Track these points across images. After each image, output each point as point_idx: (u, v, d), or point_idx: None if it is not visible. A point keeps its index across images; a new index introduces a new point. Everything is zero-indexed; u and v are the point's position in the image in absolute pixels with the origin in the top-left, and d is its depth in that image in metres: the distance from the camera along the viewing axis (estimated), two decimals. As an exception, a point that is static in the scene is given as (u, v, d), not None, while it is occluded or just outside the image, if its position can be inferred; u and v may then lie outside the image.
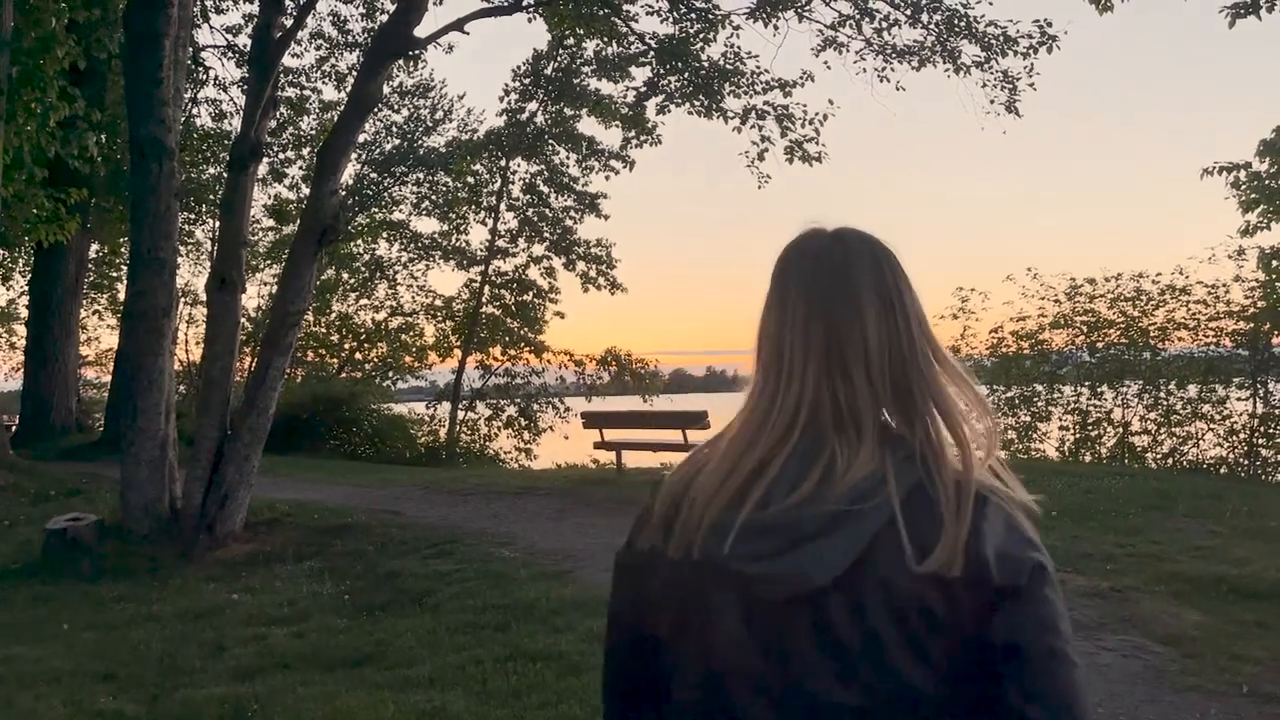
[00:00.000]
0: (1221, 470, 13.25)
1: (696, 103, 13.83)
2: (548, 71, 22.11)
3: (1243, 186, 13.24)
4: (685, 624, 1.13)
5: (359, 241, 24.50)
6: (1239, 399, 13.59)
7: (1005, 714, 1.01)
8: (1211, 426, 13.74)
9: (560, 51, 21.53)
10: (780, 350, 1.15)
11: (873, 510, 1.04)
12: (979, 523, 1.05)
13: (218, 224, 17.90)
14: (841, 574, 1.03)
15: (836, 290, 1.14)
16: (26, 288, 20.58)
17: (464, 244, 24.62)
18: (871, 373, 1.12)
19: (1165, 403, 14.10)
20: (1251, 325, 13.50)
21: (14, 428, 17.85)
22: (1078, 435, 14.70)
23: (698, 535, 1.10)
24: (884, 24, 12.20)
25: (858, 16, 12.27)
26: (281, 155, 23.23)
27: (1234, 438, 13.58)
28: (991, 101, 12.32)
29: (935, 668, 1.03)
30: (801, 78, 13.39)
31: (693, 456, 1.19)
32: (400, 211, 24.49)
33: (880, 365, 1.12)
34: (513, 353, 23.66)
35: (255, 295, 24.43)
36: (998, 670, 1.02)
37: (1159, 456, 13.97)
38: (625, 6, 13.25)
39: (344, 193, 19.32)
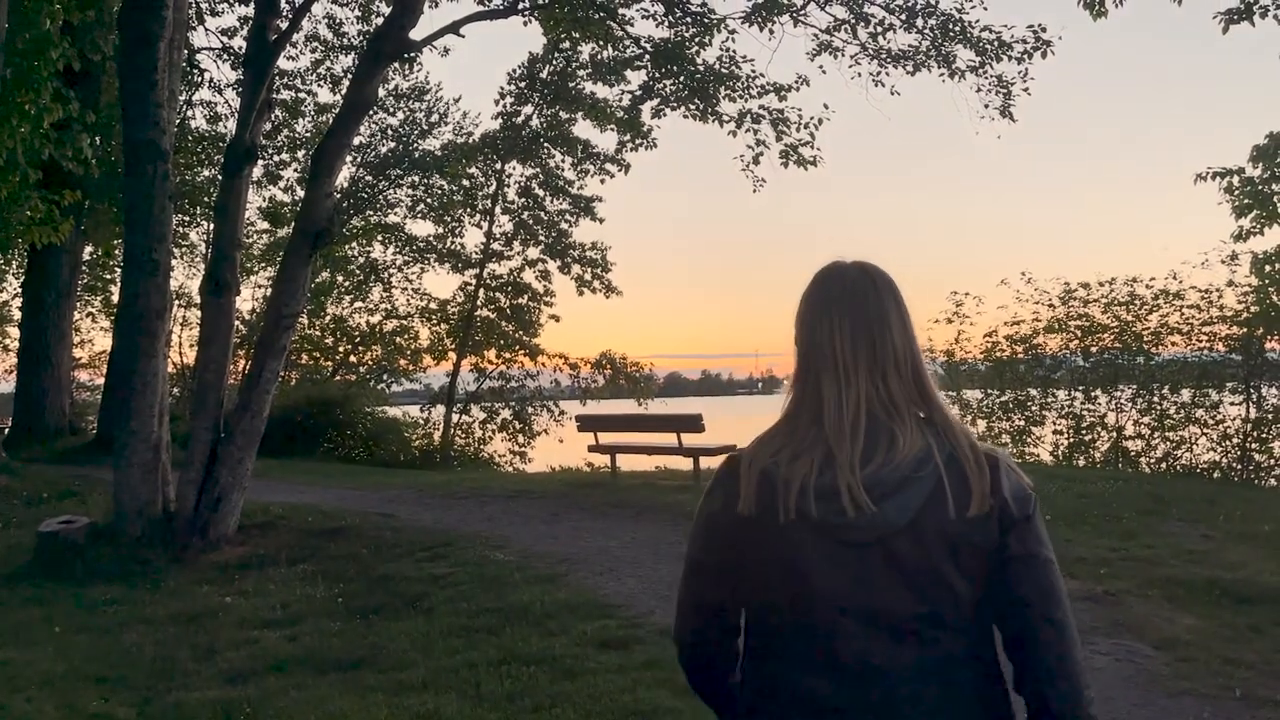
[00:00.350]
0: (1215, 475, 13.29)
1: (692, 106, 13.84)
2: (543, 75, 22.11)
3: (1236, 192, 13.22)
4: (785, 565, 1.48)
5: (354, 244, 24.48)
6: (1232, 403, 13.62)
7: (1014, 600, 1.46)
8: (1205, 431, 13.76)
9: (556, 55, 21.53)
10: (836, 359, 1.52)
11: (928, 474, 1.45)
12: (996, 476, 1.47)
13: (212, 226, 17.89)
14: (912, 519, 1.43)
15: (872, 310, 1.53)
16: (20, 289, 20.52)
17: (459, 247, 24.62)
18: (902, 373, 1.52)
19: (1159, 407, 14.12)
20: (1245, 330, 13.53)
21: (6, 430, 17.79)
22: (1071, 439, 14.72)
23: (792, 502, 1.46)
24: (879, 29, 12.24)
25: (853, 21, 12.30)
26: (276, 158, 23.21)
27: (1227, 442, 13.60)
28: (986, 106, 12.36)
29: (972, 579, 1.45)
30: (797, 82, 13.42)
31: (768, 441, 1.54)
32: (395, 214, 24.49)
33: (905, 367, 1.52)
34: (507, 356, 23.64)
35: (249, 298, 24.42)
36: (1009, 572, 1.46)
37: (1152, 461, 14.00)
38: (621, 10, 13.26)
39: (339, 195, 19.32)
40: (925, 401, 1.52)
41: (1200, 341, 14.07)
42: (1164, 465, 13.81)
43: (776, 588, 1.50)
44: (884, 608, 1.45)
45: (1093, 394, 14.66)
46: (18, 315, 20.94)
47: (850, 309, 1.53)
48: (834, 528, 1.45)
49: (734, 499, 1.52)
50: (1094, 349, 14.84)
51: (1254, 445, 13.38)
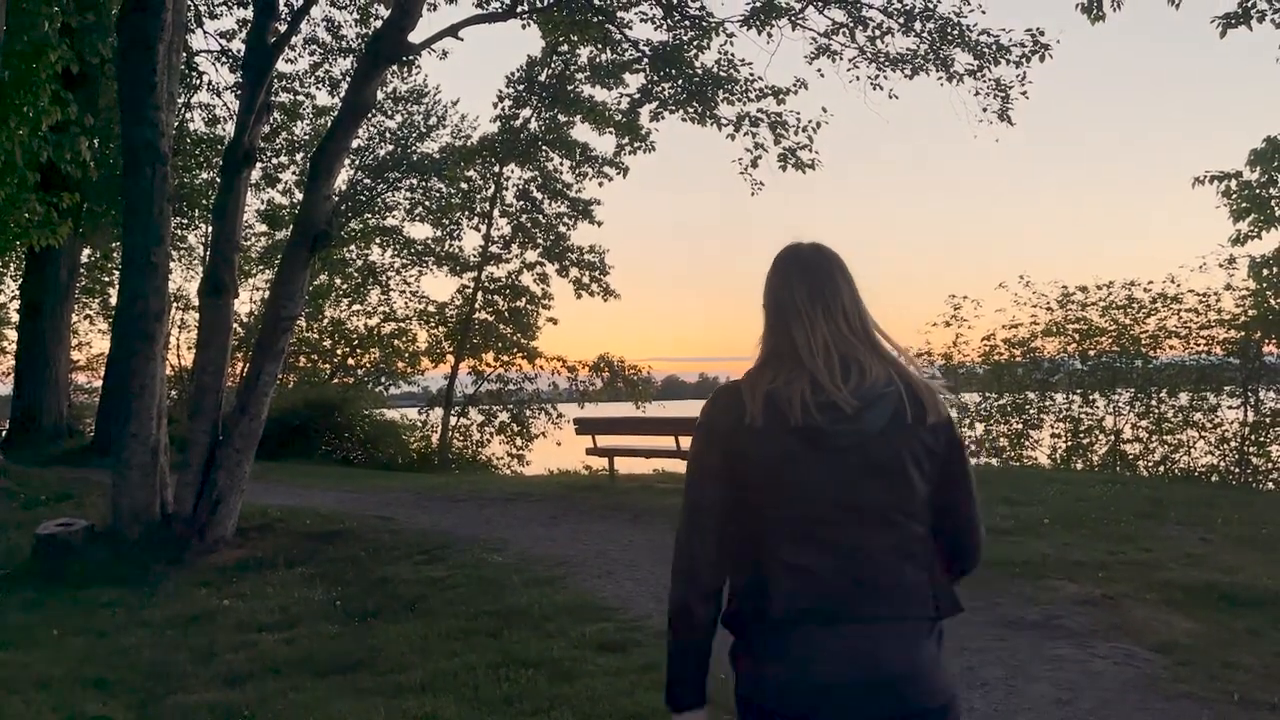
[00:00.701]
0: (1213, 478, 13.29)
1: (690, 109, 13.86)
2: (541, 78, 22.12)
3: (1233, 195, 13.24)
4: (783, 464, 1.79)
5: (352, 247, 24.47)
6: (1230, 407, 13.63)
7: (950, 497, 1.87)
8: (1203, 434, 13.78)
9: (554, 58, 21.54)
10: (799, 310, 1.89)
11: (892, 393, 1.81)
12: (935, 398, 1.86)
13: (210, 229, 17.87)
14: (886, 427, 1.79)
15: (824, 277, 1.93)
16: (18, 292, 20.50)
17: (457, 250, 24.61)
18: (852, 324, 1.89)
19: (1157, 411, 14.14)
20: (1242, 334, 13.56)
21: (4, 432, 17.77)
22: (1069, 443, 14.73)
23: (808, 411, 1.78)
24: (877, 32, 12.25)
25: (851, 25, 12.32)
26: (275, 160, 23.20)
27: (1225, 446, 13.62)
28: (985, 110, 12.38)
29: (927, 476, 1.83)
30: (795, 85, 13.43)
31: (758, 374, 1.87)
32: (394, 217, 24.49)
33: (855, 319, 1.90)
34: (505, 358, 23.63)
35: (248, 300, 24.39)
36: (949, 474, 1.87)
37: (1150, 464, 14.00)
38: (619, 14, 13.27)
39: (337, 198, 19.32)
40: (873, 346, 1.90)
41: (1198, 345, 14.09)
42: (1162, 469, 13.82)
43: (778, 487, 1.81)
44: (866, 500, 1.80)
45: (1091, 397, 14.67)
46: (16, 318, 20.94)
47: (808, 275, 1.94)
48: (827, 435, 1.79)
49: (741, 414, 1.82)
50: (1092, 352, 14.85)
51: (1252, 449, 13.39)
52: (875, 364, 1.85)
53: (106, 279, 25.87)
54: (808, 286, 1.92)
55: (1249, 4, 10.51)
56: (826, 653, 1.76)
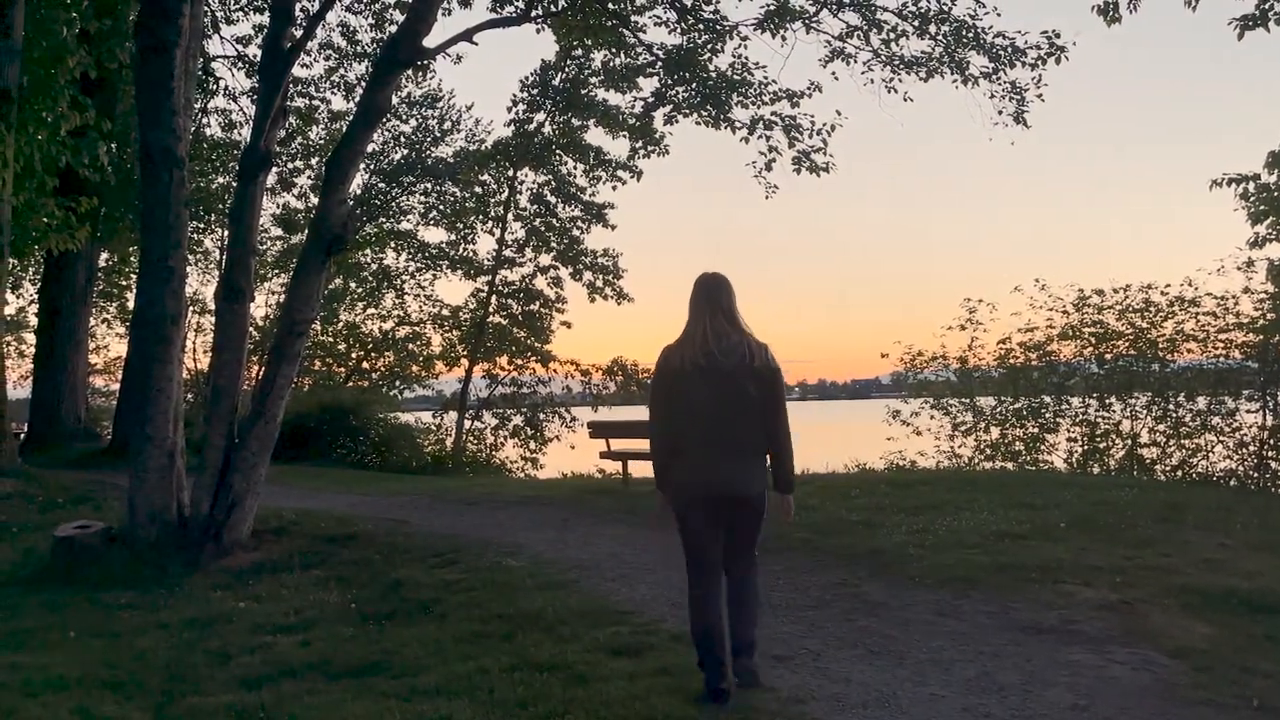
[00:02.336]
0: (1231, 483, 13.17)
1: (704, 113, 13.86)
2: (556, 82, 22.18)
3: (1252, 198, 13.14)
4: (686, 387, 4.34)
5: (366, 251, 24.57)
6: (1249, 411, 13.50)
7: (770, 408, 4.37)
8: (1221, 439, 13.66)
9: (568, 62, 21.60)
10: (700, 309, 4.45)
11: (742, 348, 4.35)
12: (765, 352, 4.40)
13: (226, 233, 17.94)
14: (735, 366, 4.31)
15: (714, 290, 4.47)
16: (36, 296, 20.67)
17: (471, 254, 24.71)
18: (727, 317, 4.42)
19: (1174, 415, 14.03)
20: (1261, 337, 13.44)
21: (22, 435, 17.91)
22: (1086, 447, 14.64)
23: (698, 358, 4.34)
24: (892, 35, 12.23)
25: (865, 28, 12.30)
26: (290, 165, 23.35)
27: (1244, 450, 13.50)
28: (1000, 112, 12.34)
29: (757, 391, 4.32)
30: (809, 88, 13.42)
31: (676, 345, 4.46)
32: (408, 221, 24.58)
33: (729, 313, 4.43)
34: (519, 362, 23.68)
35: (263, 304, 24.53)
36: (769, 395, 4.37)
37: (1168, 469, 13.89)
38: (633, 18, 13.29)
39: (351, 202, 19.39)
40: (737, 327, 4.39)
41: (1216, 348, 13.97)
42: (1179, 473, 13.71)
43: (683, 400, 4.32)
44: (728, 408, 4.27)
45: (1107, 401, 14.58)
46: (34, 321, 21.10)
47: (705, 290, 4.44)
48: (709, 370, 4.28)
49: (670, 361, 4.40)
50: (1109, 356, 14.76)
51: (1271, 453, 13.26)
52: (735, 336, 4.36)
53: (124, 283, 26.07)
54: (705, 296, 4.45)
55: (1267, 5, 10.44)
56: (700, 468, 4.32)
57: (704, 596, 4.41)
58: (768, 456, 4.38)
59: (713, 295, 4.40)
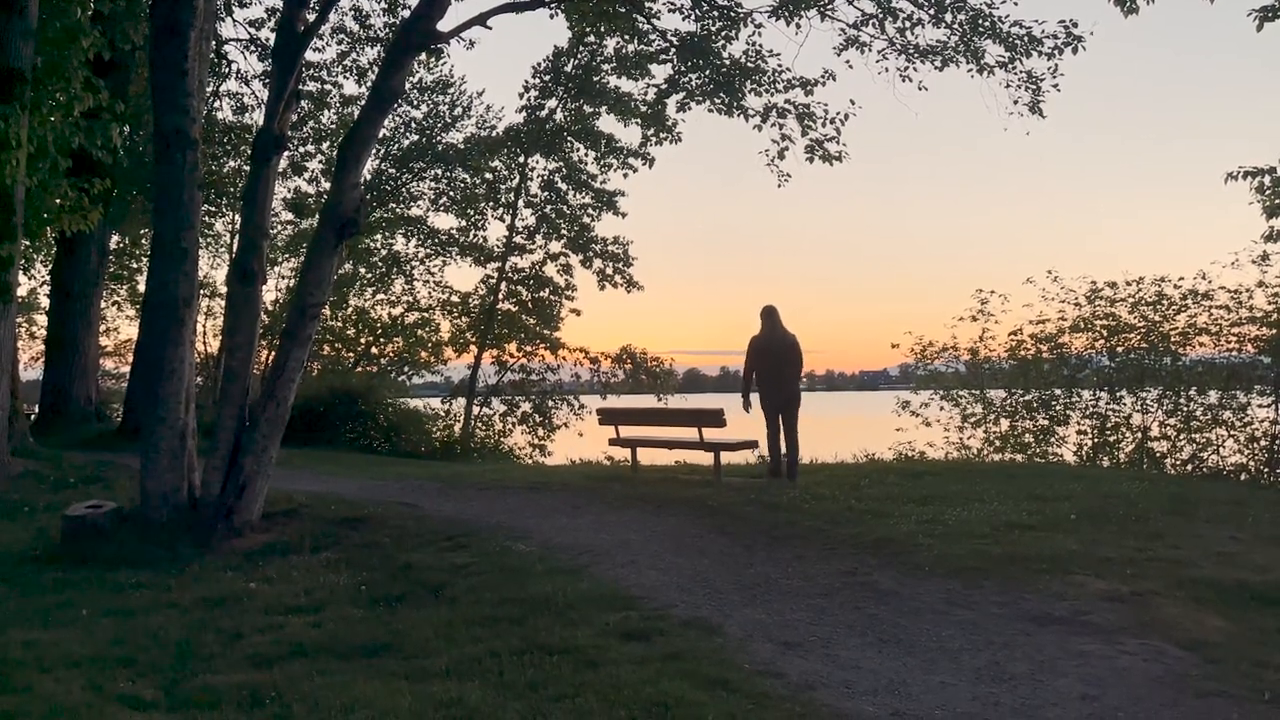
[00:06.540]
0: (1242, 477, 13.13)
1: (717, 100, 13.82)
2: (568, 69, 22.12)
3: (1268, 191, 13.05)
4: (758, 355, 10.93)
5: (376, 236, 24.57)
6: (1260, 405, 13.46)
7: (789, 382, 10.89)
8: (1232, 433, 13.62)
9: (581, 49, 21.53)
10: (766, 320, 10.97)
11: (781, 337, 10.85)
12: (793, 339, 10.91)
13: (238, 216, 17.97)
14: (778, 345, 10.82)
15: (772, 314, 10.97)
16: (48, 277, 20.73)
17: (481, 240, 24.67)
18: (775, 321, 10.93)
19: (1185, 409, 13.98)
20: (1274, 331, 13.37)
21: (34, 416, 17.99)
22: (1096, 440, 14.60)
23: (765, 342, 10.88)
24: (907, 23, 12.16)
25: (880, 16, 12.23)
26: (302, 149, 23.34)
27: (1255, 445, 13.45)
28: (1015, 102, 12.26)
29: (794, 364, 10.90)
30: (823, 76, 13.36)
31: (759, 335, 10.92)
32: (418, 207, 24.57)
33: (776, 319, 10.97)
34: (528, 349, 23.67)
35: (273, 288, 24.56)
36: (792, 361, 10.91)
37: (1178, 462, 13.85)
38: (647, 4, 13.23)
39: (363, 187, 19.40)
40: (780, 324, 10.88)
41: (1229, 342, 13.92)
42: (1190, 467, 13.66)
43: (757, 359, 10.87)
44: (775, 366, 10.77)
45: (1118, 394, 14.53)
46: (46, 303, 21.17)
47: (769, 312, 10.94)
48: (765, 348, 10.83)
49: (755, 341, 10.95)
50: (1120, 349, 14.71)
51: (1282, 448, 13.20)
52: (780, 330, 10.76)
53: (135, 266, 26.14)
54: (768, 314, 10.84)
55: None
56: (767, 392, 10.78)
57: (772, 434, 10.76)
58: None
59: (772, 314, 10.78)
